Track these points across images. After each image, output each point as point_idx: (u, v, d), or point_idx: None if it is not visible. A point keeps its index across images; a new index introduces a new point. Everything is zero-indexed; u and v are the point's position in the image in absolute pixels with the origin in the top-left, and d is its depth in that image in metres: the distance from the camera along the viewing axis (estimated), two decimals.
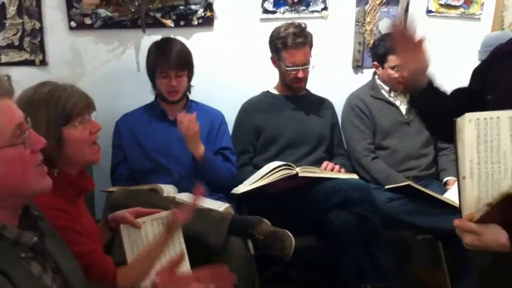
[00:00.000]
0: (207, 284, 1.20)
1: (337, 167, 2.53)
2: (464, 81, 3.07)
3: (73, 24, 2.61)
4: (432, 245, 2.51)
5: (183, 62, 2.41)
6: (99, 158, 1.61)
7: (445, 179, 2.69)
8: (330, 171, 2.50)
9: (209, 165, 2.38)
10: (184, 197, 2.21)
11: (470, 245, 1.30)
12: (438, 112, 1.68)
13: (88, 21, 2.62)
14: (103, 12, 2.61)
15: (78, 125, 1.52)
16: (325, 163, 2.55)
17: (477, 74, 1.67)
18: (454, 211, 2.36)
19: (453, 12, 3.06)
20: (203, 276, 1.22)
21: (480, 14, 3.09)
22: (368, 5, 2.94)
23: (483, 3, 3.07)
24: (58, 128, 1.48)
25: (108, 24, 2.64)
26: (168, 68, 2.37)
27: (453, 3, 3.04)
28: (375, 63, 2.79)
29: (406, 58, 1.67)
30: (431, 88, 1.69)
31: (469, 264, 2.35)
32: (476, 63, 2.97)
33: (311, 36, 2.60)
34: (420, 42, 1.61)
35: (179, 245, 1.75)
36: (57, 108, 1.48)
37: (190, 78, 2.48)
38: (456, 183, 2.60)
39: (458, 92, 1.74)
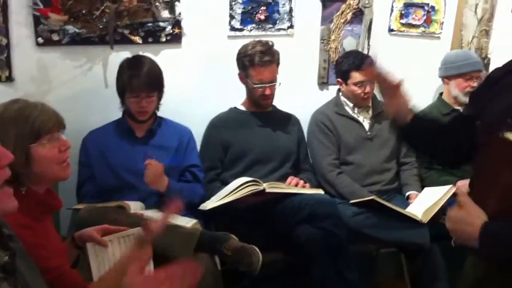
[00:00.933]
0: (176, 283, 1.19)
1: (301, 182, 2.58)
2: (424, 97, 3.20)
3: (40, 40, 2.59)
4: (395, 258, 2.58)
5: (154, 84, 2.42)
6: (69, 174, 1.62)
7: (407, 193, 2.78)
8: (294, 186, 2.55)
9: (174, 195, 2.37)
10: (151, 213, 2.23)
11: (449, 217, 1.31)
12: (429, 142, 1.73)
13: (55, 37, 2.61)
14: (71, 28, 2.60)
15: (46, 143, 1.52)
16: (289, 178, 2.59)
17: (472, 98, 1.69)
18: (416, 224, 2.46)
19: (414, 31, 3.16)
20: (172, 274, 1.20)
21: (440, 33, 3.20)
22: (332, 23, 3.01)
23: (442, 23, 3.18)
24: (25, 145, 1.48)
25: (76, 41, 2.63)
26: (139, 90, 2.37)
27: (414, 22, 3.14)
28: (339, 79, 2.86)
29: (387, 100, 1.76)
30: (416, 121, 1.73)
31: (430, 277, 2.43)
32: (437, 79, 3.10)
33: (278, 54, 2.65)
34: (398, 85, 1.70)
35: None
36: (26, 125, 1.49)
37: (160, 98, 2.49)
38: (418, 196, 2.69)
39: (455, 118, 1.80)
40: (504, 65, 1.57)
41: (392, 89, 1.71)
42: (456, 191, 1.36)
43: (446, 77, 3.03)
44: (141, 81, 2.36)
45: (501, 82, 1.51)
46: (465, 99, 2.94)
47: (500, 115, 1.41)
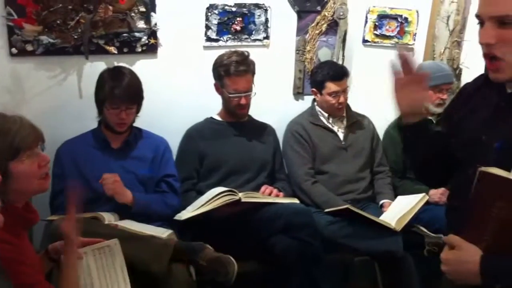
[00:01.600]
0: None
1: (275, 191, 2.60)
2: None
3: (14, 50, 2.55)
4: (369, 266, 2.61)
5: (135, 97, 2.42)
6: (48, 187, 1.61)
7: (381, 202, 2.82)
8: (268, 195, 2.56)
9: (143, 209, 2.38)
10: (125, 224, 2.22)
11: (444, 260, 1.28)
12: (423, 154, 1.59)
13: (29, 47, 2.57)
14: (45, 38, 2.58)
15: (25, 159, 1.50)
16: (263, 187, 2.61)
17: (445, 114, 1.67)
18: (389, 232, 2.49)
19: (387, 42, 3.21)
20: None
21: (413, 44, 3.25)
22: (308, 34, 3.05)
23: (415, 34, 3.24)
24: (4, 162, 1.46)
25: (51, 51, 2.60)
26: (120, 102, 2.36)
27: (387, 34, 3.19)
28: (314, 89, 2.89)
29: (403, 93, 1.53)
30: (421, 125, 1.56)
31: (404, 285, 2.46)
32: None
33: (253, 64, 2.67)
34: (424, 76, 1.52)
35: (121, 273, 1.76)
36: (5, 142, 1.46)
37: (138, 110, 2.49)
38: (392, 205, 2.72)
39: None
40: (474, 80, 1.56)
41: (416, 79, 1.49)
42: (446, 239, 1.32)
43: None
44: (123, 93, 2.35)
45: (473, 99, 1.51)
46: (436, 110, 2.99)
47: (474, 133, 1.42)
